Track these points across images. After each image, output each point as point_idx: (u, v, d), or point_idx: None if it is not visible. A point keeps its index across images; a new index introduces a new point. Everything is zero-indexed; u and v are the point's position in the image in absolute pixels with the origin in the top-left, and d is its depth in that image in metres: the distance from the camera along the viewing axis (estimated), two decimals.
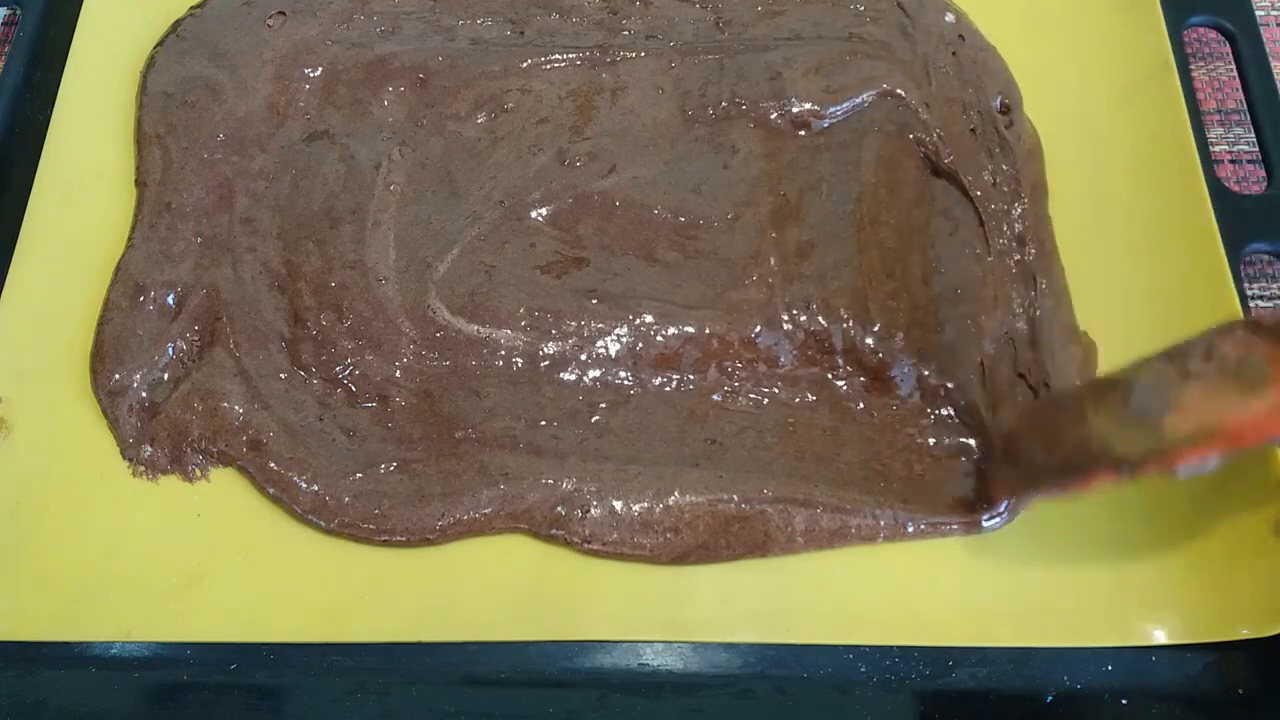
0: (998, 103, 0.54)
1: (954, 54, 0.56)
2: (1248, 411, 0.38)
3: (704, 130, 0.54)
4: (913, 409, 0.48)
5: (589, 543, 0.45)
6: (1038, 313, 0.49)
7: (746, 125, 0.54)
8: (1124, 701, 0.43)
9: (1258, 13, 0.57)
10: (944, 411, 0.47)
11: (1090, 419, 0.42)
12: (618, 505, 0.45)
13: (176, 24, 0.58)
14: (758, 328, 0.49)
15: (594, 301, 0.49)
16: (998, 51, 0.56)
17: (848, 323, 0.49)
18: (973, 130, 0.53)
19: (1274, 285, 0.54)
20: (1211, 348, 0.40)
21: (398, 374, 0.49)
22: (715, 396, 0.48)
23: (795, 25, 0.57)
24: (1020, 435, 0.45)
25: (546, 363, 0.49)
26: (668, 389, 0.49)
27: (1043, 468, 0.43)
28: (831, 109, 0.54)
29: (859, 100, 0.54)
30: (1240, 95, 0.56)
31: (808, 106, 0.54)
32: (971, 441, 0.47)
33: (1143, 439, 0.40)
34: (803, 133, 0.54)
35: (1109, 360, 0.48)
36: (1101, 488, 0.41)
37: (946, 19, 0.57)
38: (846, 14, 0.57)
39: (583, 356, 0.49)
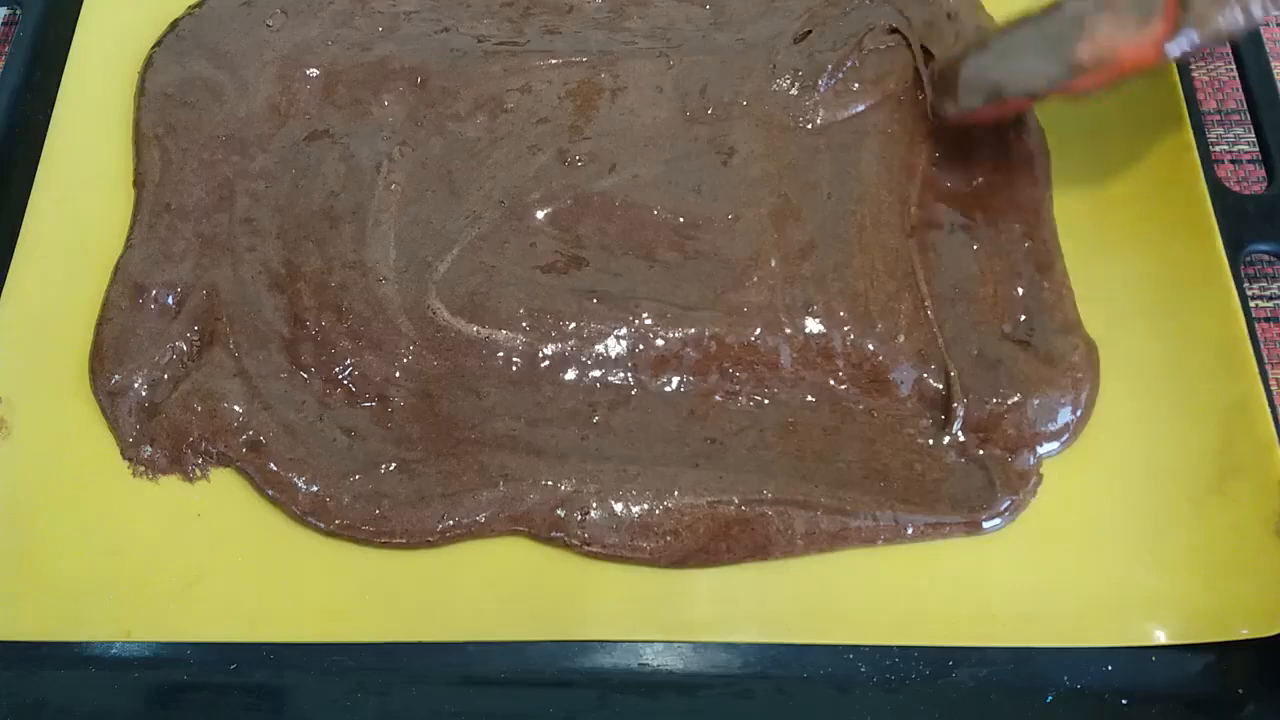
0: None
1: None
2: (1134, 42, 0.44)
3: (704, 130, 0.54)
4: (913, 409, 0.48)
5: (588, 545, 0.45)
6: (1039, 312, 0.49)
7: (747, 125, 0.54)
8: (1124, 701, 0.43)
9: None
10: (943, 413, 0.47)
11: (1010, 47, 0.48)
12: (617, 507, 0.45)
13: (175, 24, 0.58)
14: (757, 330, 0.49)
15: (594, 301, 0.49)
16: None
17: (848, 325, 0.48)
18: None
19: (1274, 285, 0.54)
20: None
21: (397, 374, 0.48)
22: (716, 396, 0.48)
23: (795, 24, 0.57)
24: (954, 67, 0.51)
25: (546, 363, 0.49)
26: (668, 389, 0.48)
27: (970, 97, 0.50)
28: (833, 108, 0.54)
29: (860, 99, 0.54)
30: (1240, 95, 0.56)
31: (808, 106, 0.54)
32: (971, 441, 0.47)
33: (1050, 68, 0.46)
34: (804, 132, 0.54)
35: (1110, 361, 0.48)
36: (1016, 110, 0.52)
37: (949, 12, 0.57)
38: (848, 12, 0.57)
39: (582, 357, 0.49)
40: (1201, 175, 0.51)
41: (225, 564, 0.45)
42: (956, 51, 0.52)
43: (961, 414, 0.47)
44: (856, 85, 0.54)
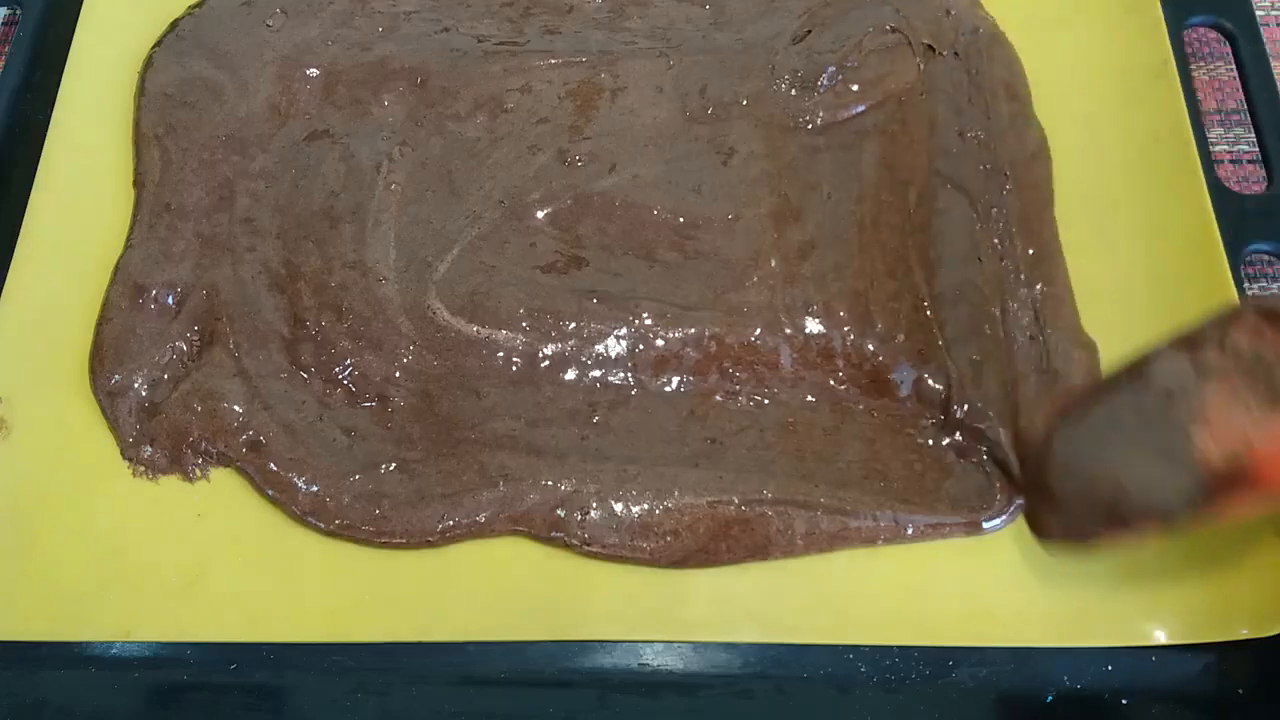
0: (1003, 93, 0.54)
1: (964, 45, 0.56)
2: (1271, 436, 0.34)
3: (704, 130, 0.54)
4: (913, 409, 0.48)
5: (588, 545, 0.45)
6: (1040, 314, 0.49)
7: (747, 125, 0.54)
8: (1124, 701, 0.43)
9: (1258, 13, 0.57)
10: (944, 415, 0.47)
11: (1114, 440, 0.38)
12: (617, 507, 0.45)
13: (175, 24, 0.58)
14: (758, 330, 0.49)
15: (594, 301, 0.49)
16: (1008, 41, 0.56)
17: (848, 325, 0.48)
18: (972, 134, 0.53)
19: (1274, 285, 0.54)
20: (1225, 338, 0.36)
21: (397, 374, 0.49)
22: (716, 396, 0.48)
23: (795, 24, 0.57)
24: (1049, 468, 0.42)
25: (546, 363, 0.49)
26: (667, 389, 0.48)
27: (1083, 515, 0.41)
28: (833, 108, 0.54)
29: (861, 99, 0.54)
30: (1240, 95, 0.56)
31: (808, 106, 0.54)
32: (970, 442, 0.47)
33: (1173, 475, 0.36)
34: (804, 132, 0.54)
35: (1108, 361, 0.48)
36: (1152, 538, 0.39)
37: (951, 12, 0.57)
38: (848, 11, 0.57)
39: (582, 357, 0.49)
40: (1201, 175, 0.51)
41: (225, 564, 0.45)
42: (1037, 434, 0.42)
43: (961, 415, 0.47)
44: (856, 85, 0.54)
